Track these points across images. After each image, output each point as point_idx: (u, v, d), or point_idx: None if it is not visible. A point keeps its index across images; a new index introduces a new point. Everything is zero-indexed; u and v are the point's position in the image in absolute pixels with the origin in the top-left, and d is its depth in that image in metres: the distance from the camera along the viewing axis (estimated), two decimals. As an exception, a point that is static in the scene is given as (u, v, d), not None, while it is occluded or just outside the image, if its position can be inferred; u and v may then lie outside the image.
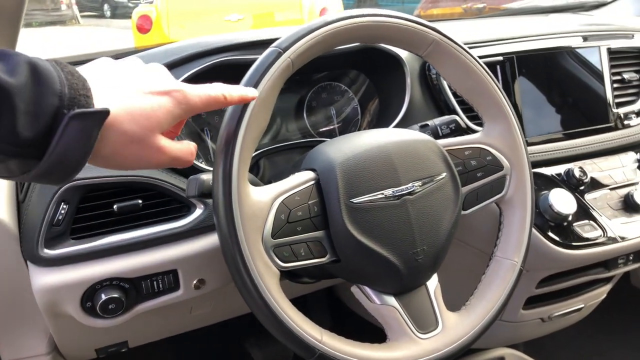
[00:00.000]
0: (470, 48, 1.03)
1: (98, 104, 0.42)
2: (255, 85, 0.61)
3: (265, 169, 0.92)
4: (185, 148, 0.51)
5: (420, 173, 0.70)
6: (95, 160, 0.45)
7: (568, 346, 1.61)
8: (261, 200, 0.62)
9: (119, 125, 0.43)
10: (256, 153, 0.92)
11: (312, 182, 0.66)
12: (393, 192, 0.67)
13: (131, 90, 0.45)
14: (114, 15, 10.89)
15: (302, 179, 0.66)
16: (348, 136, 0.73)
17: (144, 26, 4.89)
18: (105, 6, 11.40)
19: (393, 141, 0.70)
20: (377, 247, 0.66)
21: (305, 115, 1.02)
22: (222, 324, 1.11)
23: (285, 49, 0.63)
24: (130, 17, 5.16)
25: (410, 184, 0.68)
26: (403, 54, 0.96)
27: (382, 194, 0.67)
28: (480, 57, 1.01)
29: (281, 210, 0.63)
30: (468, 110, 0.98)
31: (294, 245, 0.64)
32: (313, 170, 0.68)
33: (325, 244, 0.66)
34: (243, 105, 0.60)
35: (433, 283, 0.73)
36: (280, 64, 0.62)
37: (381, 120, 1.01)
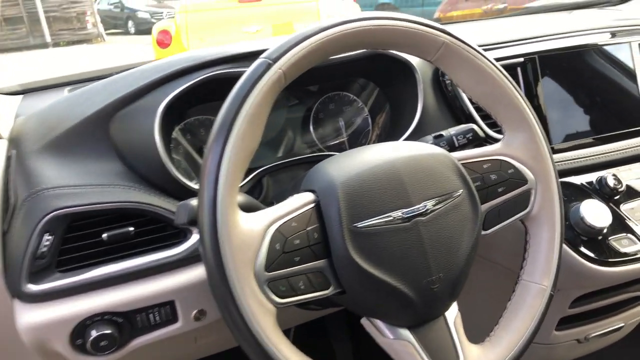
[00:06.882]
0: (486, 50, 0.95)
1: None
2: (243, 101, 0.55)
3: (268, 188, 0.86)
4: None
5: (433, 191, 0.62)
6: None
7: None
8: (253, 229, 0.56)
9: None
10: (259, 171, 0.86)
11: (312, 206, 0.60)
12: (403, 213, 0.60)
13: None
14: (138, 32, 11.12)
15: (299, 202, 0.60)
16: (351, 152, 0.66)
17: (163, 41, 4.94)
18: (130, 23, 11.69)
19: (401, 157, 0.63)
20: (386, 276, 0.58)
21: (312, 128, 0.96)
22: (234, 349, 1.05)
23: (275, 60, 0.57)
24: (153, 33, 5.23)
25: (422, 204, 0.61)
26: (414, 59, 0.89)
27: (390, 216, 0.60)
28: (499, 59, 0.94)
29: (276, 238, 0.56)
30: (487, 117, 0.90)
31: (291, 277, 0.57)
32: (312, 191, 0.61)
33: (328, 275, 0.59)
34: (230, 123, 0.54)
35: (452, 313, 0.65)
36: (270, 76, 0.56)
37: (393, 132, 0.94)
